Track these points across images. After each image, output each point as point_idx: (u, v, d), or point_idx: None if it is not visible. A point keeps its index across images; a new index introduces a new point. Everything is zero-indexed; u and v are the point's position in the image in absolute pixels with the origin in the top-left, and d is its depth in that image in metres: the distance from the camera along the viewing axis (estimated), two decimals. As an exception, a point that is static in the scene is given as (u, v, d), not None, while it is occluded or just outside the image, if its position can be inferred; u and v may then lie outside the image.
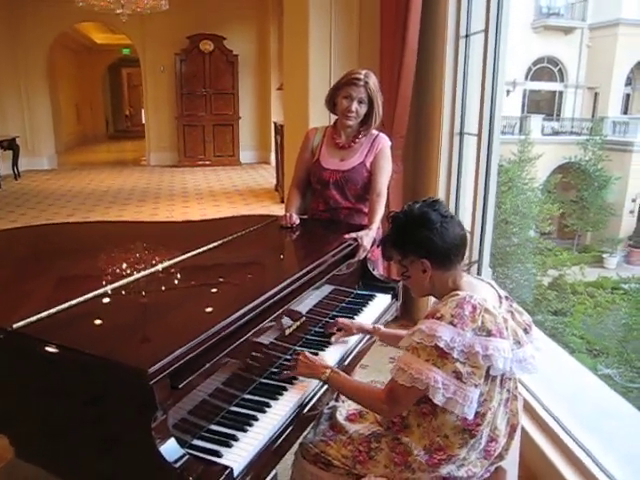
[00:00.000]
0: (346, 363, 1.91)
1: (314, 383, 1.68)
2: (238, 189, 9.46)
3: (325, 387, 1.71)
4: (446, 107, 3.42)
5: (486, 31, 3.04)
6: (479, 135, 3.10)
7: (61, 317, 1.48)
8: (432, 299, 1.79)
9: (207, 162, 12.25)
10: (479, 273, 3.17)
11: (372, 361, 2.78)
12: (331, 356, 1.86)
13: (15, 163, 10.53)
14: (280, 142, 7.73)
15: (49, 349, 1.33)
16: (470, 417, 1.43)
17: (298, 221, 2.52)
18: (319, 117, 3.15)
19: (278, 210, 7.42)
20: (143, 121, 14.08)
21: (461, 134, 3.44)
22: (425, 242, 1.53)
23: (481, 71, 3.08)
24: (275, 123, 9.12)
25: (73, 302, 1.55)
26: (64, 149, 14.14)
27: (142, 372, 1.17)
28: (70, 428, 1.38)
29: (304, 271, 1.90)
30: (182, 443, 1.29)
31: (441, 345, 1.40)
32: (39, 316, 1.45)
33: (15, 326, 1.39)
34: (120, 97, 25.46)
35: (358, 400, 1.66)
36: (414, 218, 1.57)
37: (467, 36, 3.34)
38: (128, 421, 1.26)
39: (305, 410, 1.61)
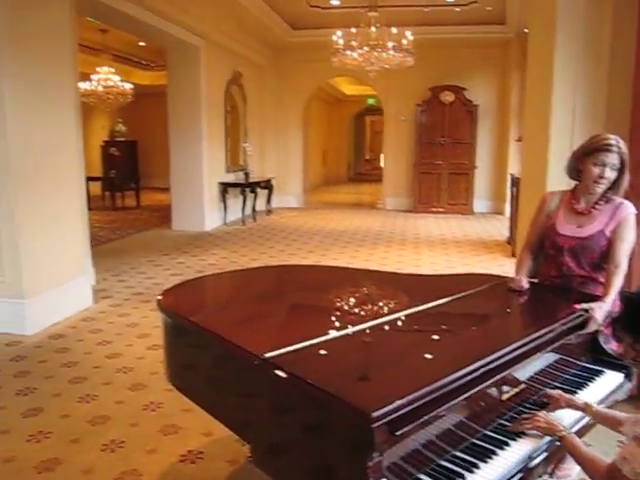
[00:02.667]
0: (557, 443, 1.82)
1: (524, 453, 1.67)
2: (469, 239, 9.43)
3: (538, 459, 1.69)
4: None
5: None
6: None
7: (303, 352, 1.70)
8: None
9: (440, 209, 12.45)
10: None
11: (596, 441, 2.59)
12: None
13: (268, 200, 11.97)
14: (516, 195, 7.57)
15: (288, 378, 1.55)
16: None
17: (527, 285, 2.50)
18: (558, 176, 3.08)
19: (509, 264, 7.25)
20: (381, 165, 14.90)
21: None
22: None
23: None
24: (512, 175, 8.96)
25: (315, 340, 1.77)
26: (309, 189, 15.56)
27: (366, 414, 1.31)
28: (293, 448, 1.58)
29: (530, 337, 1.90)
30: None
31: None
32: (286, 349, 1.69)
33: (267, 355, 1.64)
34: (362, 142, 27.13)
35: (582, 466, 1.67)
36: None
37: None
38: (346, 456, 1.40)
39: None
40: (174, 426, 3.23)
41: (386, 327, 1.99)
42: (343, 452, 1.42)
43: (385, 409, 1.32)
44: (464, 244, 8.91)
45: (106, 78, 12.35)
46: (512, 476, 1.59)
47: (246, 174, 10.95)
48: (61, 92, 5.14)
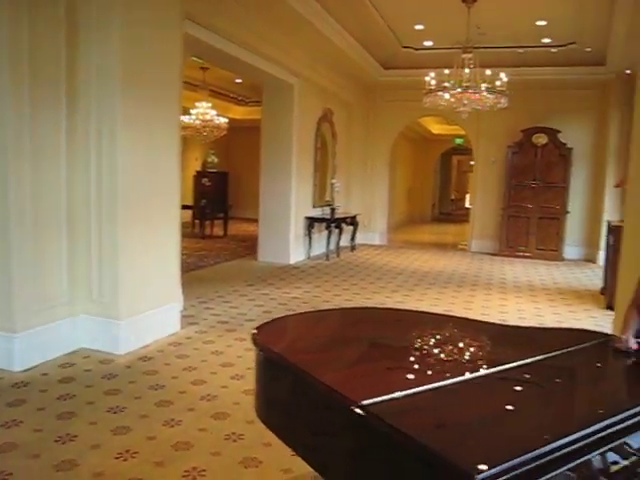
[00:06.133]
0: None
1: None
2: (559, 286, 9.04)
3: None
4: None
5: None
6: None
7: (400, 403, 1.65)
8: None
9: (527, 254, 12.05)
10: None
11: None
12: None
13: (353, 237, 12.03)
14: (614, 243, 7.20)
15: (382, 429, 1.51)
16: None
17: (636, 346, 2.35)
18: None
19: (602, 316, 6.89)
20: (466, 206, 14.67)
21: None
22: None
23: None
24: (609, 222, 8.55)
25: (413, 391, 1.72)
26: (393, 227, 15.51)
27: (469, 476, 1.23)
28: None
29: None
30: None
31: None
32: (383, 398, 1.65)
33: (364, 402, 1.61)
34: (447, 182, 26.91)
35: None
36: None
37: None
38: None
39: None
40: (255, 459, 3.23)
41: (483, 381, 1.91)
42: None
43: (492, 471, 1.24)
44: (554, 292, 8.54)
45: (204, 113, 12.97)
46: None
47: (332, 210, 11.06)
48: (166, 128, 5.42)
